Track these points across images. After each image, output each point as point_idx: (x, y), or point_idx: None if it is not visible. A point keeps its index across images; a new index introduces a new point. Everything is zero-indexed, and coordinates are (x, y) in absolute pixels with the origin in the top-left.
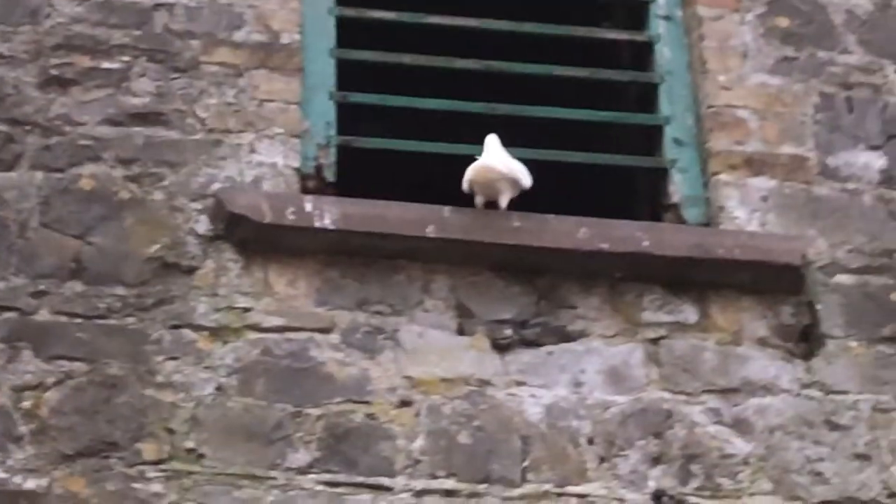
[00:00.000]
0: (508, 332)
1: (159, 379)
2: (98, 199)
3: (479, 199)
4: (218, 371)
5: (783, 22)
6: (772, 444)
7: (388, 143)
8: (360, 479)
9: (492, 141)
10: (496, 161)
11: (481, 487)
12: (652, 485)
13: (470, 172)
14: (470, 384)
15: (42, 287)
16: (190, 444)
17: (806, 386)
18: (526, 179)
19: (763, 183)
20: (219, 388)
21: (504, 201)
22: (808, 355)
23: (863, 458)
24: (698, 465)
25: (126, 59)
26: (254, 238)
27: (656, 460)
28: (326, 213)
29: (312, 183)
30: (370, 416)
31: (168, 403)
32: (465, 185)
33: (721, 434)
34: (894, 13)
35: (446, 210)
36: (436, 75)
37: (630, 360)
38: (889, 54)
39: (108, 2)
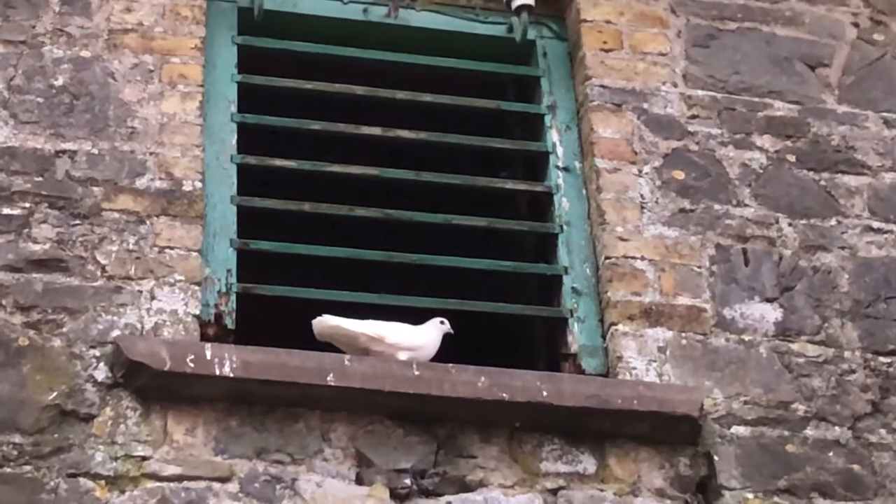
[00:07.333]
0: (407, 481)
1: None
2: None
3: None
4: None
5: (679, 175)
6: None
7: (289, 290)
8: None
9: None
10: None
11: None
12: None
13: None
14: None
15: None
16: None
17: None
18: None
19: (660, 334)
20: None
21: (403, 356)
22: None
23: None
24: None
25: (27, 205)
26: (153, 386)
27: None
28: (226, 361)
29: (212, 330)
30: None
31: None
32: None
33: None
34: (788, 167)
35: (346, 358)
36: (336, 223)
37: None
38: (783, 208)
39: (10, 148)
